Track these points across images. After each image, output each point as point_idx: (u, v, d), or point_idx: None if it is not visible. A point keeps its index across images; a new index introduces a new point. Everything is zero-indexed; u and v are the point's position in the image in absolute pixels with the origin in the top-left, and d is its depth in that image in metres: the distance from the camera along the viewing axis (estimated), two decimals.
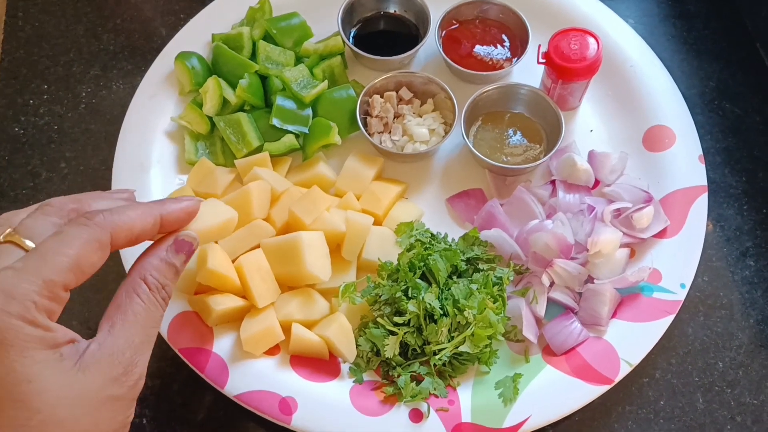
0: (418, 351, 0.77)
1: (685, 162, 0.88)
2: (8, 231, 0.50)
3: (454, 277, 0.80)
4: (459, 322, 0.75)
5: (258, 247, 0.79)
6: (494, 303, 0.77)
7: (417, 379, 0.76)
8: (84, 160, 0.95)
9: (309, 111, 0.91)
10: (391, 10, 1.01)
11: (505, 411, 0.74)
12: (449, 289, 0.77)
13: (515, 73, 0.97)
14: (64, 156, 0.95)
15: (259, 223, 0.80)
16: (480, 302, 0.75)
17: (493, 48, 0.96)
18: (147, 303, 0.53)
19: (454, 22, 0.98)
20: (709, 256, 0.87)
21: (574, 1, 1.00)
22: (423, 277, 0.80)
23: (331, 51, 0.95)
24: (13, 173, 0.94)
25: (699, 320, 0.84)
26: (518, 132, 0.92)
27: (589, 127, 0.94)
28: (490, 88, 0.91)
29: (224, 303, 0.76)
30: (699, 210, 0.84)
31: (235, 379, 0.76)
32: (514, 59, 0.95)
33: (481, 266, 0.82)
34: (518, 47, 0.96)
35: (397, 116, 0.92)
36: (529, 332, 0.78)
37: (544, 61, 0.88)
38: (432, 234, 0.84)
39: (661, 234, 0.84)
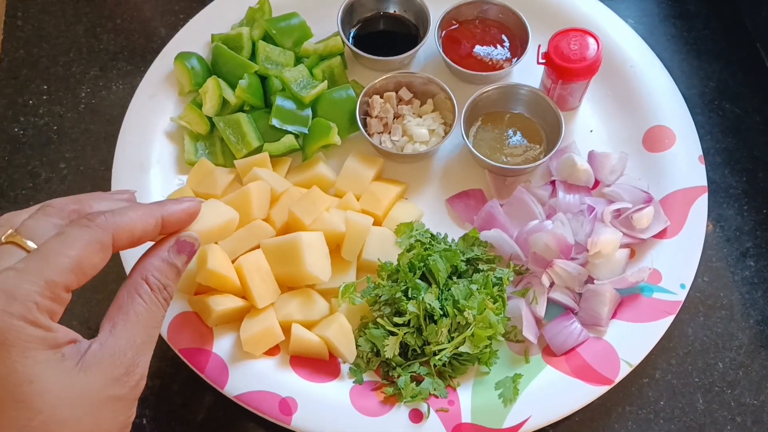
0: (418, 351, 0.77)
1: (685, 162, 0.88)
2: (10, 232, 0.51)
3: (454, 278, 0.80)
4: (459, 322, 0.75)
5: (258, 247, 0.79)
6: (494, 303, 0.77)
7: (417, 380, 0.76)
8: (84, 160, 0.95)
9: (309, 111, 0.91)
10: (391, 11, 1.01)
11: (505, 411, 0.74)
12: (449, 289, 0.77)
13: (515, 74, 0.97)
14: (63, 156, 0.95)
15: (259, 223, 0.80)
16: (480, 303, 0.75)
17: (492, 48, 0.96)
18: (149, 303, 0.53)
19: (454, 22, 0.98)
20: (709, 256, 0.87)
21: (574, 1, 1.00)
22: (423, 277, 0.80)
23: (331, 51, 0.95)
24: (13, 173, 0.94)
25: (699, 321, 0.84)
26: (518, 132, 0.92)
27: (589, 128, 0.94)
28: (489, 88, 0.90)
29: (224, 303, 0.76)
30: (699, 210, 0.84)
31: (235, 380, 0.76)
32: (514, 59, 0.95)
33: (481, 267, 0.82)
34: (518, 47, 0.96)
35: (396, 116, 0.92)
36: (529, 333, 0.78)
37: (543, 61, 0.88)
38: (432, 234, 0.84)
39: (661, 234, 0.84)
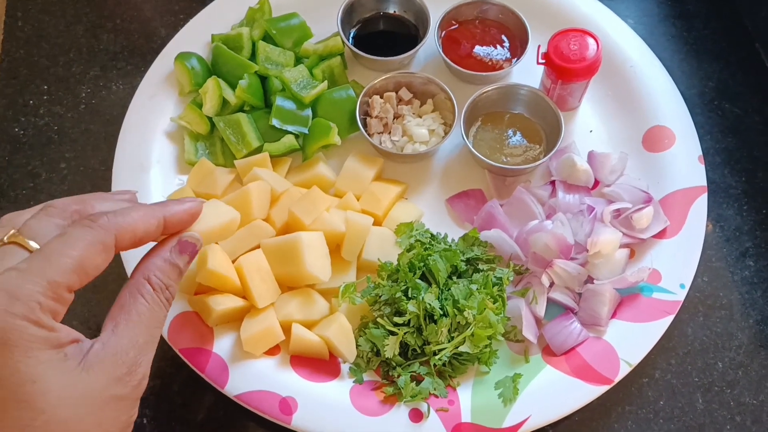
0: (418, 351, 0.77)
1: (685, 162, 0.88)
2: (12, 232, 0.51)
3: (454, 278, 0.80)
4: (459, 322, 0.75)
5: (258, 247, 0.79)
6: (494, 303, 0.77)
7: (417, 379, 0.76)
8: (84, 160, 0.95)
9: (309, 111, 0.91)
10: (391, 11, 1.01)
11: (504, 411, 0.74)
12: (449, 289, 0.77)
13: (515, 74, 0.97)
14: (63, 156, 0.95)
15: (259, 223, 0.81)
16: (480, 302, 0.75)
17: (492, 48, 0.96)
18: (151, 303, 0.53)
19: (454, 22, 0.98)
20: (708, 256, 0.87)
21: (574, 1, 1.00)
22: (423, 277, 0.80)
23: (331, 51, 0.95)
24: (13, 173, 0.94)
25: (698, 320, 0.84)
26: (518, 132, 0.92)
27: (589, 128, 0.94)
28: (489, 88, 0.91)
29: (224, 303, 0.76)
30: (699, 210, 0.84)
31: (235, 379, 0.76)
32: (514, 60, 0.95)
33: (480, 266, 0.82)
34: (518, 48, 0.96)
35: (396, 117, 0.92)
36: (529, 332, 0.78)
37: (543, 61, 0.88)
38: (432, 234, 0.84)
39: (660, 234, 0.84)
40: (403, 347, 0.77)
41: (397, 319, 0.76)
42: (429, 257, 0.79)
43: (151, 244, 0.58)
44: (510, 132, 0.92)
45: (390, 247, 0.83)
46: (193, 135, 0.92)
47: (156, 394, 0.80)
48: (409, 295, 0.77)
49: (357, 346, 0.78)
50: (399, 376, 0.76)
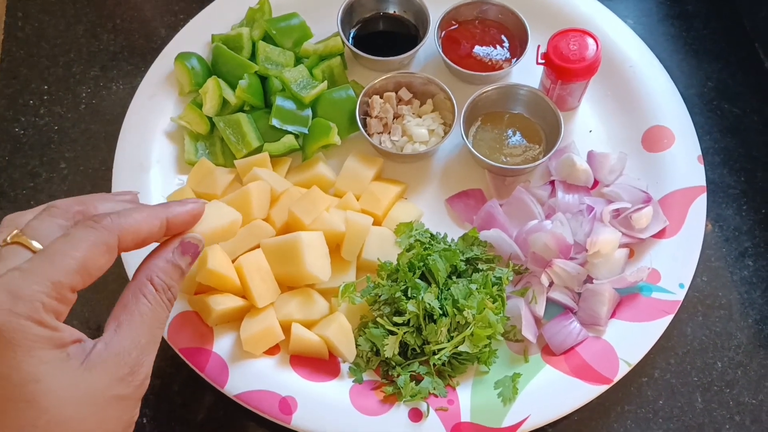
0: (418, 351, 0.77)
1: (684, 162, 0.88)
2: (15, 232, 0.51)
3: (454, 277, 0.80)
4: (458, 321, 0.75)
5: (258, 247, 0.80)
6: (493, 303, 0.77)
7: (416, 379, 0.76)
8: (84, 160, 0.95)
9: (308, 111, 0.91)
10: (391, 11, 1.01)
11: (504, 410, 0.74)
12: (449, 289, 0.77)
13: (514, 74, 0.97)
14: (63, 156, 0.96)
15: (259, 223, 0.81)
16: (479, 302, 0.75)
17: (492, 48, 0.96)
18: (153, 304, 0.54)
19: (454, 22, 0.98)
20: (707, 256, 0.87)
21: (573, 1, 1.00)
22: (422, 277, 0.80)
23: (331, 51, 0.95)
24: (13, 173, 0.94)
25: (698, 320, 0.84)
26: (517, 132, 0.92)
27: (588, 128, 0.94)
28: (489, 88, 0.91)
29: (224, 303, 0.76)
30: (698, 210, 0.84)
31: (235, 379, 0.76)
32: (514, 60, 0.95)
33: (480, 266, 0.82)
34: (517, 48, 0.96)
35: (396, 117, 0.93)
36: (528, 332, 0.78)
37: (543, 61, 0.88)
38: (431, 234, 0.84)
39: (660, 234, 0.84)
40: (403, 347, 0.77)
41: (396, 319, 0.76)
42: (428, 257, 0.79)
43: (153, 244, 0.59)
44: (509, 132, 0.92)
45: (390, 246, 0.83)
46: (193, 135, 0.92)
47: (156, 393, 0.80)
48: (409, 295, 0.77)
49: (357, 345, 0.78)
50: (398, 375, 0.76)
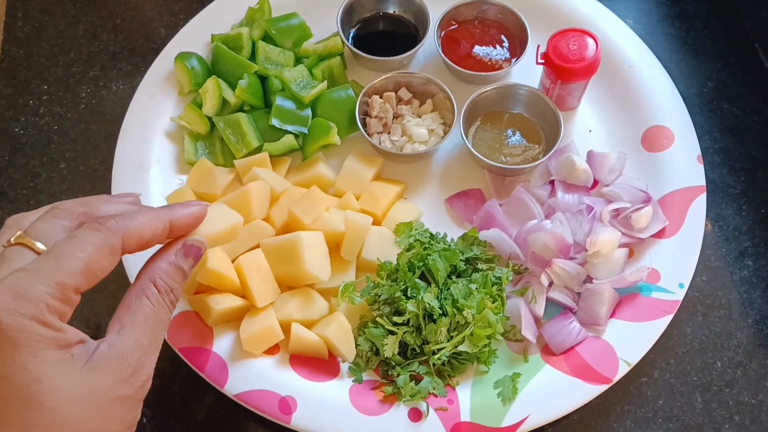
0: (417, 350, 0.77)
1: (684, 162, 0.88)
2: (19, 233, 0.51)
3: (453, 277, 0.80)
4: (458, 321, 0.75)
5: (257, 247, 0.80)
6: (493, 303, 0.77)
7: (416, 379, 0.76)
8: (84, 160, 0.95)
9: (308, 111, 0.91)
10: (391, 11, 1.01)
11: (504, 410, 0.74)
12: (448, 288, 0.77)
13: (514, 74, 0.97)
14: (63, 156, 0.96)
15: (259, 223, 0.81)
16: (479, 302, 0.75)
17: (492, 48, 0.96)
18: (156, 305, 0.54)
19: (453, 22, 0.98)
20: (707, 256, 0.87)
21: (573, 1, 1.00)
22: (422, 276, 0.80)
23: (331, 51, 0.95)
24: (13, 173, 0.94)
25: (697, 320, 0.84)
26: (517, 132, 0.92)
27: (588, 128, 0.94)
28: (489, 88, 0.91)
29: (224, 303, 0.76)
30: (697, 210, 0.84)
31: (235, 379, 0.76)
32: (513, 60, 0.95)
33: (480, 266, 0.82)
34: (517, 47, 0.96)
35: (396, 116, 0.93)
36: (528, 332, 0.78)
37: (542, 61, 0.88)
38: (431, 234, 0.84)
39: (659, 234, 0.84)
40: (403, 347, 0.77)
41: (396, 319, 0.76)
42: (428, 257, 0.79)
43: (156, 246, 0.59)
44: (509, 132, 0.92)
45: (389, 246, 0.83)
46: (192, 135, 0.92)
47: (156, 393, 0.80)
48: (409, 295, 0.77)
49: (356, 345, 0.78)
50: (398, 375, 0.76)
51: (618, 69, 0.95)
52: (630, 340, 0.78)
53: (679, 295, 0.80)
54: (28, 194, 0.93)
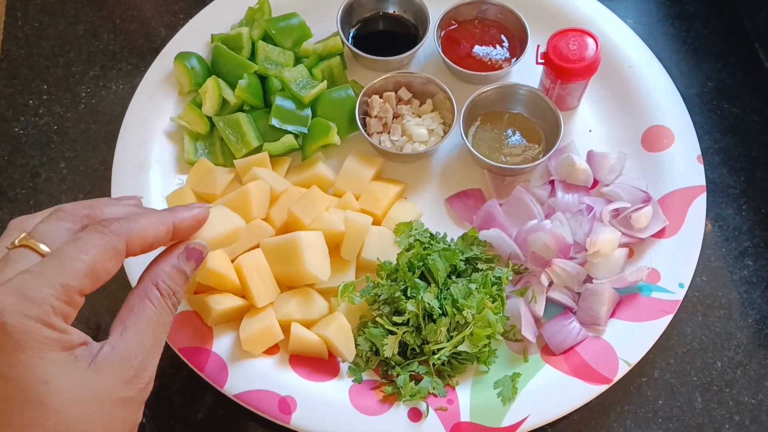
0: (417, 350, 0.77)
1: (684, 162, 0.88)
2: (23, 235, 0.52)
3: (453, 277, 0.80)
4: (458, 321, 0.75)
5: (257, 246, 0.80)
6: (493, 303, 0.77)
7: (416, 379, 0.76)
8: (83, 160, 0.95)
9: (308, 111, 0.91)
10: (390, 11, 1.01)
11: (503, 410, 0.74)
12: (448, 288, 0.77)
13: (514, 74, 0.97)
14: (63, 156, 0.96)
15: (259, 223, 0.81)
16: (479, 302, 0.75)
17: (492, 48, 0.96)
18: (158, 308, 0.55)
19: (453, 22, 0.98)
20: (707, 255, 0.87)
21: (573, 1, 1.00)
22: (422, 276, 0.80)
23: (330, 51, 0.95)
24: (13, 173, 0.94)
25: (697, 320, 0.84)
26: (517, 132, 0.92)
27: (588, 127, 0.94)
28: (489, 88, 0.91)
29: (224, 302, 0.76)
30: (697, 210, 0.84)
31: (235, 379, 0.76)
32: (513, 59, 0.95)
33: (480, 266, 0.82)
34: (517, 47, 0.96)
35: (396, 116, 0.93)
36: (528, 332, 0.78)
37: (542, 61, 0.88)
38: (431, 234, 0.84)
39: (659, 234, 0.84)
40: (402, 347, 0.77)
41: (396, 319, 0.76)
42: (428, 257, 0.79)
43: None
44: (509, 132, 0.92)
45: (389, 246, 0.83)
46: (192, 135, 0.92)
47: (156, 393, 0.78)
48: (408, 295, 0.77)
49: (356, 345, 0.78)
50: (398, 375, 0.76)
51: (618, 69, 0.95)
52: (630, 340, 0.78)
53: (679, 295, 0.80)
54: (27, 194, 0.93)
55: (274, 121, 0.88)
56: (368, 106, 0.93)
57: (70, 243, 0.51)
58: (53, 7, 1.07)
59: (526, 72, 0.96)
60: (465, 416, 0.74)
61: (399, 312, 0.77)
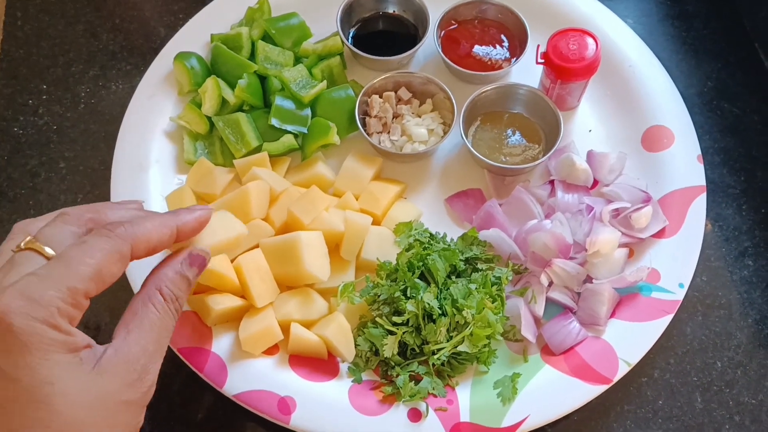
0: (417, 351, 0.77)
1: (684, 162, 0.88)
2: (29, 239, 0.52)
3: (453, 277, 0.80)
4: (458, 321, 0.75)
5: (257, 246, 0.79)
6: (493, 303, 0.77)
7: (416, 379, 0.76)
8: (83, 160, 0.95)
9: (308, 111, 0.91)
10: (390, 10, 1.01)
11: (503, 410, 0.74)
12: (448, 288, 0.77)
13: (514, 73, 0.97)
14: (63, 156, 0.96)
15: (258, 222, 0.81)
16: (479, 302, 0.75)
17: (491, 48, 0.96)
18: (162, 313, 0.55)
19: (453, 22, 0.98)
20: (707, 255, 0.87)
21: (573, 1, 1.00)
22: (422, 276, 0.80)
23: (330, 51, 0.95)
24: (12, 173, 0.94)
25: (697, 320, 0.84)
26: (517, 132, 0.92)
27: (588, 127, 0.94)
28: (488, 88, 0.91)
29: (223, 303, 0.76)
30: (697, 210, 0.84)
31: (234, 379, 0.76)
32: (513, 59, 0.95)
33: (479, 266, 0.82)
34: (517, 47, 0.96)
35: (395, 116, 0.92)
36: (528, 332, 0.78)
37: (542, 61, 0.88)
38: (431, 234, 0.84)
39: (659, 234, 0.84)
40: (402, 347, 0.77)
41: (395, 319, 0.76)
42: (428, 257, 0.79)
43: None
44: (509, 131, 0.92)
45: (389, 246, 0.83)
46: (192, 134, 0.92)
47: (155, 393, 0.78)
48: (408, 295, 0.77)
49: (356, 345, 0.78)
50: (398, 375, 0.76)
51: (618, 69, 0.95)
52: (630, 340, 0.78)
53: (679, 295, 0.80)
54: (27, 194, 0.93)
55: (274, 121, 0.88)
56: (368, 106, 0.92)
57: (76, 246, 0.51)
58: (53, 7, 1.07)
59: (526, 72, 0.95)
60: (465, 416, 0.74)
61: (399, 312, 0.77)
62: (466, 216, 0.88)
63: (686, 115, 0.91)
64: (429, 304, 0.75)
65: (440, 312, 0.75)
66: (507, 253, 0.83)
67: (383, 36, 1.00)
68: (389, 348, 0.75)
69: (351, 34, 0.99)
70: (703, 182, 0.86)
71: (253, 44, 0.96)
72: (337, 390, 0.76)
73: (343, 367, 0.79)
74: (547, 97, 0.90)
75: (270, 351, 0.78)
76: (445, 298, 0.76)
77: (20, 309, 0.46)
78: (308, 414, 0.74)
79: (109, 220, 0.56)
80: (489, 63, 0.95)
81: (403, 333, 0.76)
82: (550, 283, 0.81)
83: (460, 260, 0.80)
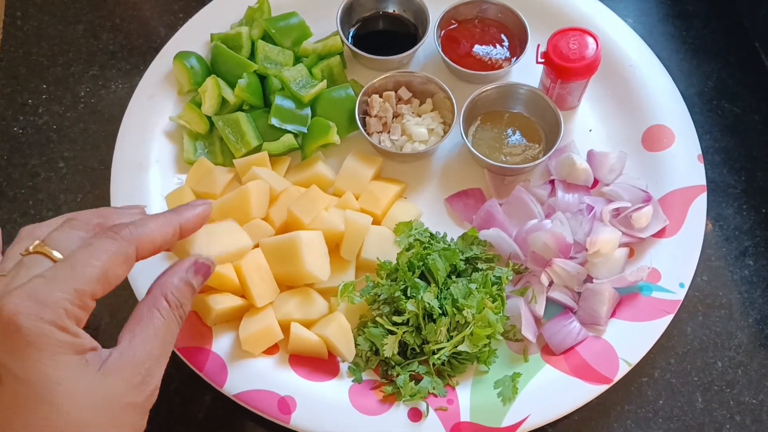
0: (417, 350, 0.77)
1: (684, 161, 0.88)
2: (37, 243, 0.53)
3: (453, 277, 0.80)
4: (458, 321, 0.75)
5: (257, 246, 0.79)
6: (493, 302, 0.77)
7: (416, 379, 0.76)
8: (83, 159, 0.95)
9: (308, 110, 0.91)
10: (390, 10, 1.01)
11: (504, 410, 0.74)
12: (448, 288, 0.77)
13: (514, 73, 0.97)
14: (62, 156, 0.95)
15: (258, 222, 0.81)
16: (479, 302, 0.75)
17: (492, 48, 0.96)
18: (167, 318, 0.56)
19: (453, 21, 0.98)
20: (708, 255, 0.87)
21: (573, 0, 1.00)
22: (422, 276, 0.80)
23: (330, 50, 0.95)
24: (12, 173, 0.94)
25: (698, 320, 0.84)
26: (517, 131, 0.92)
27: (588, 127, 0.94)
28: (489, 87, 0.91)
29: (223, 302, 0.76)
30: (698, 209, 0.84)
31: (234, 379, 0.76)
32: (513, 59, 0.95)
33: (480, 266, 0.82)
34: (517, 47, 0.96)
35: (395, 116, 0.92)
36: (528, 332, 0.78)
37: (542, 60, 0.88)
38: (431, 233, 0.84)
39: (660, 233, 0.84)
40: (402, 346, 0.77)
41: (396, 319, 0.76)
42: (428, 256, 0.79)
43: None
44: (509, 131, 0.92)
45: (389, 246, 0.83)
46: (192, 134, 0.92)
47: None
48: (408, 295, 0.77)
49: (356, 345, 0.78)
50: (398, 375, 0.76)
51: (618, 68, 0.95)
52: (630, 340, 0.78)
53: (680, 294, 0.80)
54: (27, 194, 0.93)
55: (274, 121, 0.88)
56: (368, 106, 0.92)
57: (82, 249, 0.52)
58: (53, 7, 1.07)
59: (526, 71, 0.95)
60: (465, 416, 0.74)
61: (399, 312, 0.77)
62: (466, 216, 0.88)
63: (686, 115, 0.91)
64: (429, 303, 0.75)
65: (440, 312, 0.75)
66: (507, 252, 0.83)
67: (383, 35, 1.00)
68: (389, 348, 0.75)
69: (351, 34, 0.99)
70: (704, 182, 0.86)
71: (253, 44, 0.96)
72: (337, 390, 0.76)
73: (344, 366, 0.79)
74: (547, 96, 0.90)
75: (270, 351, 0.78)
76: (445, 298, 0.76)
77: (28, 310, 0.47)
78: (308, 414, 0.74)
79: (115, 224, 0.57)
80: (489, 62, 0.95)
81: (404, 333, 0.76)
82: (551, 283, 0.81)
83: (461, 260, 0.80)
